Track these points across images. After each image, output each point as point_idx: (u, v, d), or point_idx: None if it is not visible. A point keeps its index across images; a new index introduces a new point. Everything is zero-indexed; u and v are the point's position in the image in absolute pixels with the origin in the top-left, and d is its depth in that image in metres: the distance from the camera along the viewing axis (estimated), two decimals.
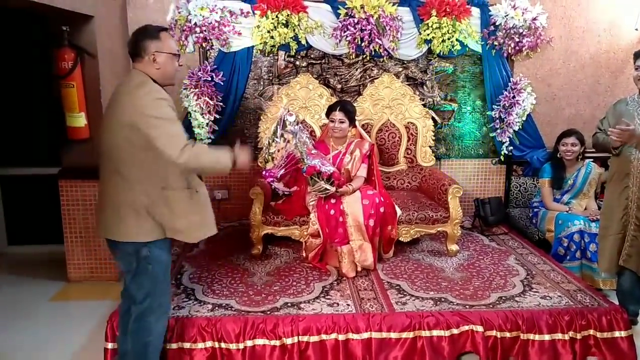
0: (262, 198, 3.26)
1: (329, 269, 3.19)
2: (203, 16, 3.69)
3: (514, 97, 4.01)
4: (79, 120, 3.23)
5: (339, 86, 4.11)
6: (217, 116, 3.87)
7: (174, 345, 2.44)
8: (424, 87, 4.18)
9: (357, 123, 3.49)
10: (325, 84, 4.06)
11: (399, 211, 3.32)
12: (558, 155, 3.66)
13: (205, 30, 3.73)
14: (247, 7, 3.78)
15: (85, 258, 3.50)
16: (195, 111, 3.80)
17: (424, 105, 4.08)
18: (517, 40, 3.94)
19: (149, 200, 2.05)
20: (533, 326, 2.56)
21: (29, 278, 3.63)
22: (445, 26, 3.87)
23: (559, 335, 2.57)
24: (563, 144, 3.61)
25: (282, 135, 3.07)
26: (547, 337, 2.56)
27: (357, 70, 4.10)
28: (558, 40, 4.10)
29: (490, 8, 3.95)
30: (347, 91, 4.13)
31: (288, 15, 3.73)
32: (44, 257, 3.95)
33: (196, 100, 3.77)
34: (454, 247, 3.43)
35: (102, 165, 2.13)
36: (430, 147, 3.98)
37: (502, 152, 4.17)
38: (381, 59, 4.05)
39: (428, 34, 3.91)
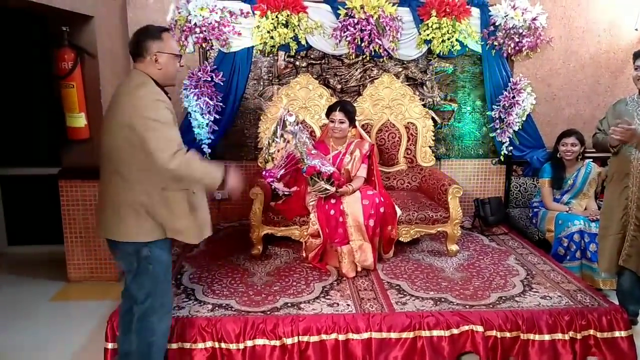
0: (262, 198, 3.26)
1: (329, 269, 3.19)
2: (203, 16, 3.69)
3: (513, 97, 4.01)
4: (79, 120, 3.24)
5: (338, 86, 4.11)
6: (217, 116, 3.87)
7: (174, 346, 2.44)
8: (424, 87, 4.18)
9: (357, 123, 3.49)
10: (325, 84, 4.06)
11: (399, 211, 3.32)
12: (558, 155, 3.66)
13: (205, 31, 3.73)
14: (247, 7, 3.78)
15: (85, 258, 3.51)
16: (195, 111, 3.80)
17: (424, 106, 4.08)
18: (517, 40, 3.94)
19: (149, 200, 2.05)
20: (533, 326, 2.56)
21: (29, 278, 3.63)
22: (445, 26, 3.87)
23: (559, 335, 2.57)
24: (563, 144, 3.61)
25: (282, 136, 3.07)
26: (547, 337, 2.56)
27: (357, 70, 4.11)
28: (558, 41, 4.10)
29: (490, 8, 3.95)
30: (347, 91, 4.13)
31: (288, 15, 3.73)
32: (44, 257, 3.95)
33: (196, 100, 3.77)
34: (454, 247, 3.43)
35: (103, 166, 2.13)
36: (430, 147, 3.98)
37: (502, 152, 4.17)
38: (381, 59, 4.05)
39: (428, 34, 3.91)
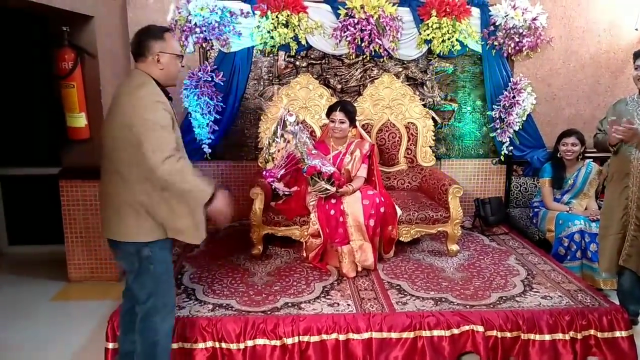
0: (263, 198, 3.26)
1: (330, 269, 3.19)
2: (203, 16, 3.69)
3: (514, 97, 4.01)
4: (79, 120, 3.24)
5: (339, 86, 4.11)
6: (217, 116, 3.87)
7: (175, 345, 2.44)
8: (424, 87, 4.18)
9: (357, 123, 3.49)
10: (325, 84, 4.06)
11: (399, 211, 3.32)
12: (558, 155, 3.66)
13: (205, 31, 3.73)
14: (247, 7, 3.78)
15: (86, 258, 3.51)
16: (195, 111, 3.81)
17: (424, 106, 4.08)
18: (517, 40, 3.94)
19: (149, 200, 2.05)
20: (534, 326, 2.56)
21: (29, 278, 3.63)
22: (445, 26, 3.87)
23: (559, 335, 2.57)
24: (563, 143, 3.61)
25: (282, 136, 3.07)
26: (547, 337, 2.56)
27: (357, 70, 4.11)
28: (558, 40, 4.10)
29: (490, 8, 3.96)
30: (347, 91, 4.13)
31: (288, 15, 3.73)
32: (45, 257, 3.95)
33: (196, 100, 3.78)
34: (454, 247, 3.43)
35: (103, 166, 2.13)
36: (430, 147, 3.98)
37: (502, 152, 4.17)
38: (381, 59, 4.05)
39: (428, 34, 3.91)
